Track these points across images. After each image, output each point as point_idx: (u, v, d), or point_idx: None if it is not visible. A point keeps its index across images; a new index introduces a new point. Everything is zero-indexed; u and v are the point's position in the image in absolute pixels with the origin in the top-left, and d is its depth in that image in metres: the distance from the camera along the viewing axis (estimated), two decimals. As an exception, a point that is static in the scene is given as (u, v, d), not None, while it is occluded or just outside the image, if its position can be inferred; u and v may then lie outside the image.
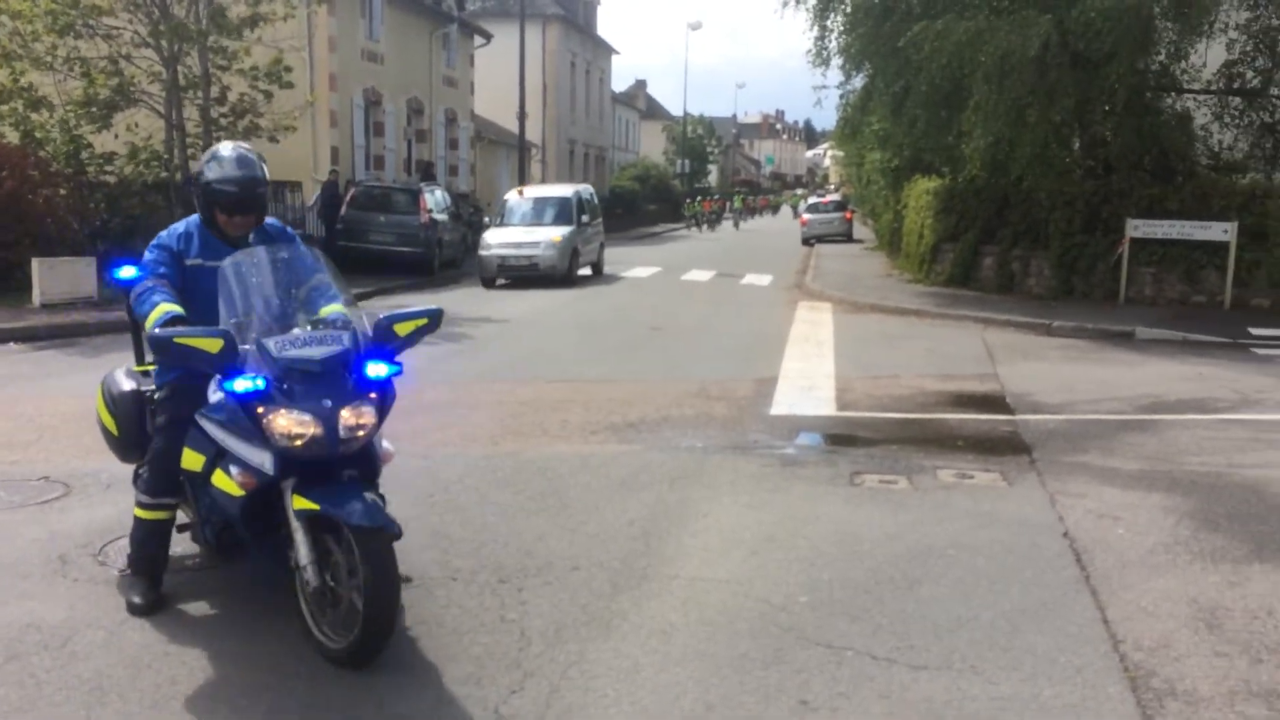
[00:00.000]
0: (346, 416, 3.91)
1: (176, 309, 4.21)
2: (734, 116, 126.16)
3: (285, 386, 3.88)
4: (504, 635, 4.33)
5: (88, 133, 17.48)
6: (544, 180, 42.44)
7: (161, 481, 4.48)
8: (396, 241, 20.74)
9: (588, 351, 12.43)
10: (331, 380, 3.93)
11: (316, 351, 3.95)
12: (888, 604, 4.79)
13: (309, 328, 4.07)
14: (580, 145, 47.54)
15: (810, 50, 20.08)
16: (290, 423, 3.83)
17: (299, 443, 3.84)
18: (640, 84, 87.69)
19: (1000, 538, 5.75)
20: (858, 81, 20.26)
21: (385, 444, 4.35)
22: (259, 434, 3.90)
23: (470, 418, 8.48)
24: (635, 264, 27.18)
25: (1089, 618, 4.68)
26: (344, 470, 4.02)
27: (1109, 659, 4.26)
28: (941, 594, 4.93)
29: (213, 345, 3.87)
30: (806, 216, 40.88)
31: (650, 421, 8.55)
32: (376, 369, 4.06)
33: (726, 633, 4.43)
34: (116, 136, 17.70)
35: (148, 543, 4.57)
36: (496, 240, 20.73)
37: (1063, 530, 5.90)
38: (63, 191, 16.33)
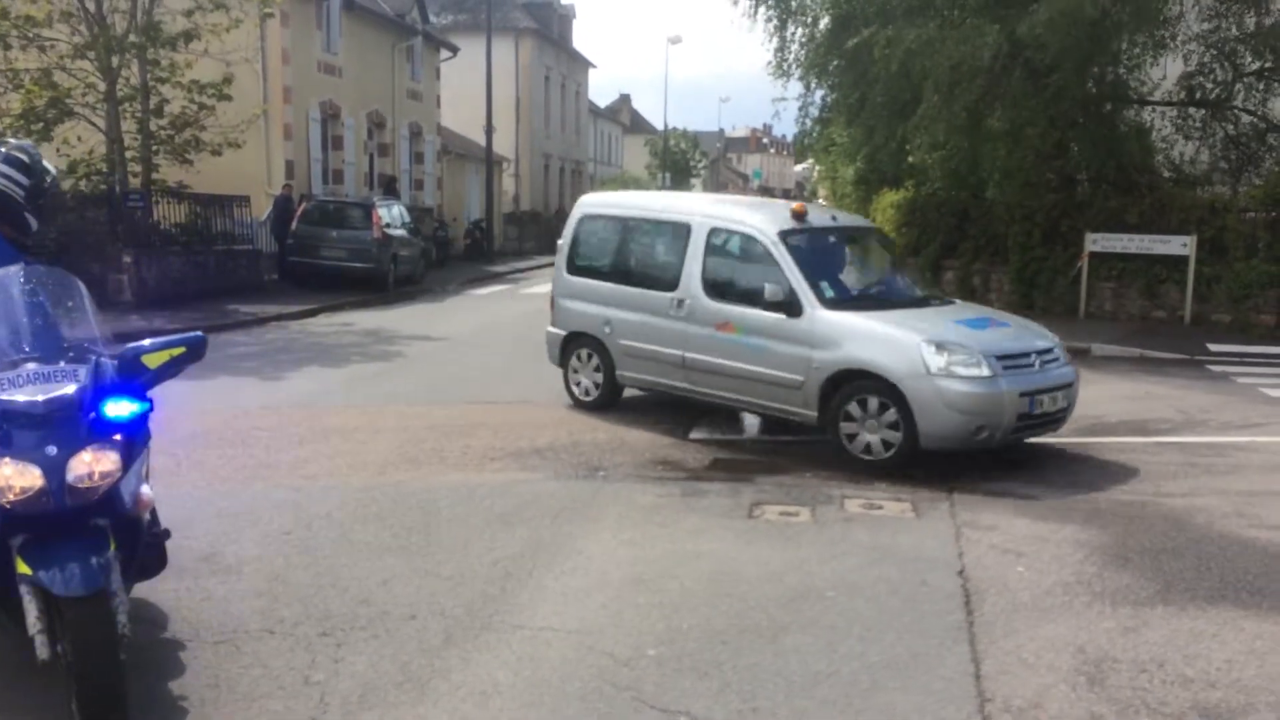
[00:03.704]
0: (79, 464, 3.44)
1: None
2: (720, 130, 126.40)
3: (4, 432, 3.43)
4: (300, 700, 3.90)
5: (26, 147, 17.02)
6: (518, 194, 42.11)
7: None
8: (348, 257, 20.28)
9: (521, 371, 11.98)
10: (59, 424, 3.46)
11: (40, 392, 3.48)
12: (744, 656, 4.38)
13: (35, 365, 3.57)
14: (556, 159, 47.14)
15: (770, 62, 19.77)
16: (11, 474, 3.38)
17: (18, 496, 3.38)
18: (624, 98, 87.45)
19: (889, 576, 5.35)
20: (818, 94, 19.95)
21: (145, 489, 3.87)
22: None
23: (368, 444, 8.05)
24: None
25: (961, 671, 4.28)
26: (94, 519, 3.55)
27: (970, 722, 3.86)
28: (806, 644, 4.52)
29: None
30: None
31: (560, 447, 8.14)
32: (118, 408, 3.60)
33: (554, 695, 4.01)
34: (58, 151, 17.25)
35: None
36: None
37: (959, 568, 5.50)
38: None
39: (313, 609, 4.74)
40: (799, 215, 8.64)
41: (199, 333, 4.04)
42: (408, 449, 7.94)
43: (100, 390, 3.58)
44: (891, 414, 7.41)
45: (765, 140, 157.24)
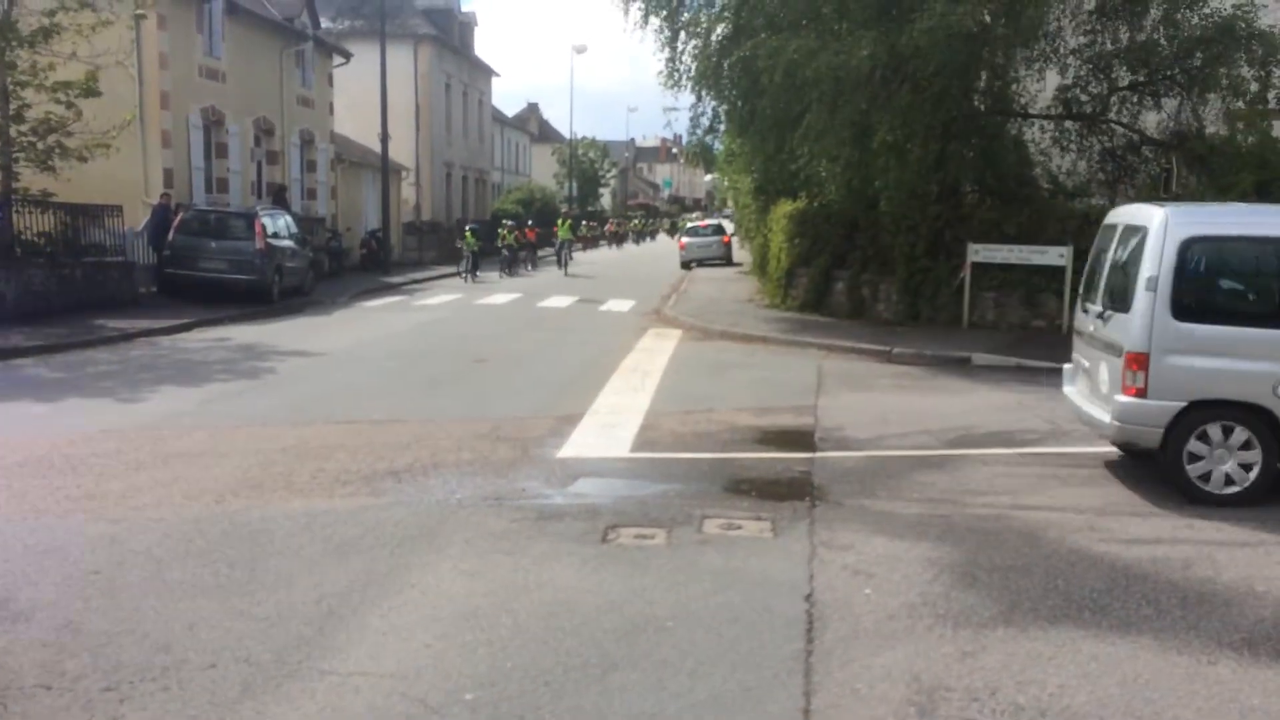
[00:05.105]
0: None
1: None
2: (631, 140, 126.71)
3: None
4: (60, 767, 3.54)
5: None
6: (418, 203, 41.41)
7: None
8: (229, 269, 19.54)
9: (393, 387, 11.62)
10: None
11: None
12: (567, 699, 4.14)
13: None
14: (458, 168, 46.50)
15: (662, 71, 19.67)
16: None
17: None
18: (532, 107, 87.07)
19: (734, 603, 5.17)
20: (709, 105, 19.92)
21: None
22: None
23: (211, 470, 7.61)
24: (498, 290, 26.41)
25: (790, 707, 4.11)
26: None
27: (790, 764, 3.68)
28: (634, 681, 4.30)
29: None
30: (685, 240, 40.60)
31: (417, 468, 7.81)
32: None
33: (351, 748, 3.72)
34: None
35: None
36: None
37: (807, 592, 5.36)
38: None
39: (102, 660, 4.36)
40: None
41: None
42: (253, 474, 7.53)
43: None
44: None
45: (675, 150, 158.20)
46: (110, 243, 19.03)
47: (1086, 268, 8.61)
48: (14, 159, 16.51)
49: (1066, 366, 8.82)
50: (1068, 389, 8.63)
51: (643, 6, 18.69)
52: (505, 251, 32.89)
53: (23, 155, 16.61)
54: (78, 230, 18.23)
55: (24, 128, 16.45)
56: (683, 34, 19.25)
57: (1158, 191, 15.69)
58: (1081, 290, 8.66)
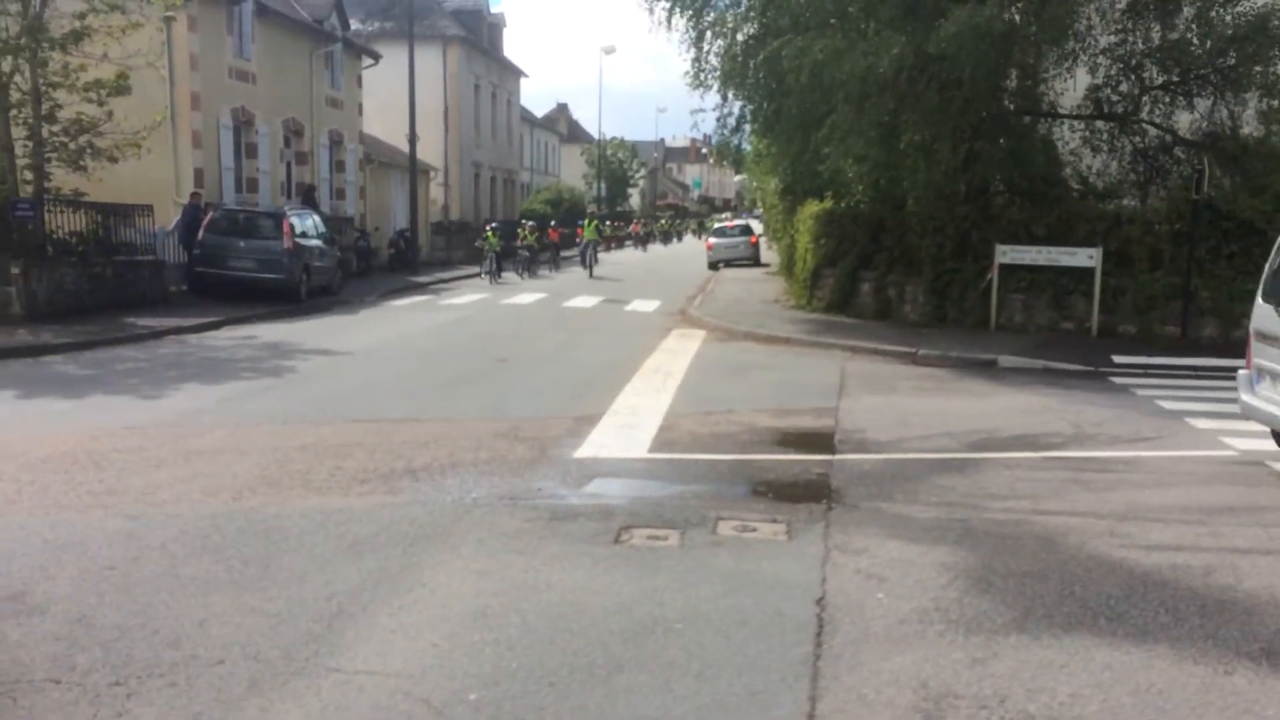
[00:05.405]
0: None
1: None
2: (661, 140, 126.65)
3: None
4: (65, 761, 3.57)
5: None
6: (447, 203, 41.60)
7: None
8: (258, 268, 19.74)
9: (414, 387, 11.66)
10: None
11: None
12: (571, 699, 4.12)
13: None
14: (486, 168, 46.69)
15: (688, 72, 19.65)
16: None
17: None
18: (562, 107, 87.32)
19: (744, 605, 5.14)
20: (735, 105, 19.86)
21: None
22: None
23: (230, 467, 7.67)
24: (523, 290, 26.48)
25: (795, 712, 4.07)
26: None
27: (792, 769, 3.65)
28: (640, 683, 4.28)
29: None
30: (712, 241, 40.54)
31: (435, 468, 7.83)
32: None
33: (352, 747, 3.72)
34: (-50, 158, 16.55)
35: None
36: None
37: (819, 595, 5.31)
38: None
39: (113, 655, 4.39)
40: None
41: None
42: (272, 471, 7.57)
43: None
44: None
45: (705, 150, 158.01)
46: (141, 241, 19.26)
47: (1268, 267, 8.05)
48: (46, 159, 16.74)
49: (1242, 373, 8.28)
50: (1249, 398, 8.09)
51: (667, 6, 18.67)
52: (525, 252, 32.37)
53: (55, 155, 16.84)
54: (109, 229, 18.46)
55: (56, 128, 16.68)
56: (708, 34, 19.21)
57: (1189, 193, 15.45)
58: (1261, 292, 8.12)
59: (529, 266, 32.24)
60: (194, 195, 21.26)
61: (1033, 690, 4.26)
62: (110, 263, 18.06)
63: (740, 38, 18.46)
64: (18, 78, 16.18)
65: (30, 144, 16.56)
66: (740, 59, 17.92)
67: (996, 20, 13.81)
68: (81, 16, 15.92)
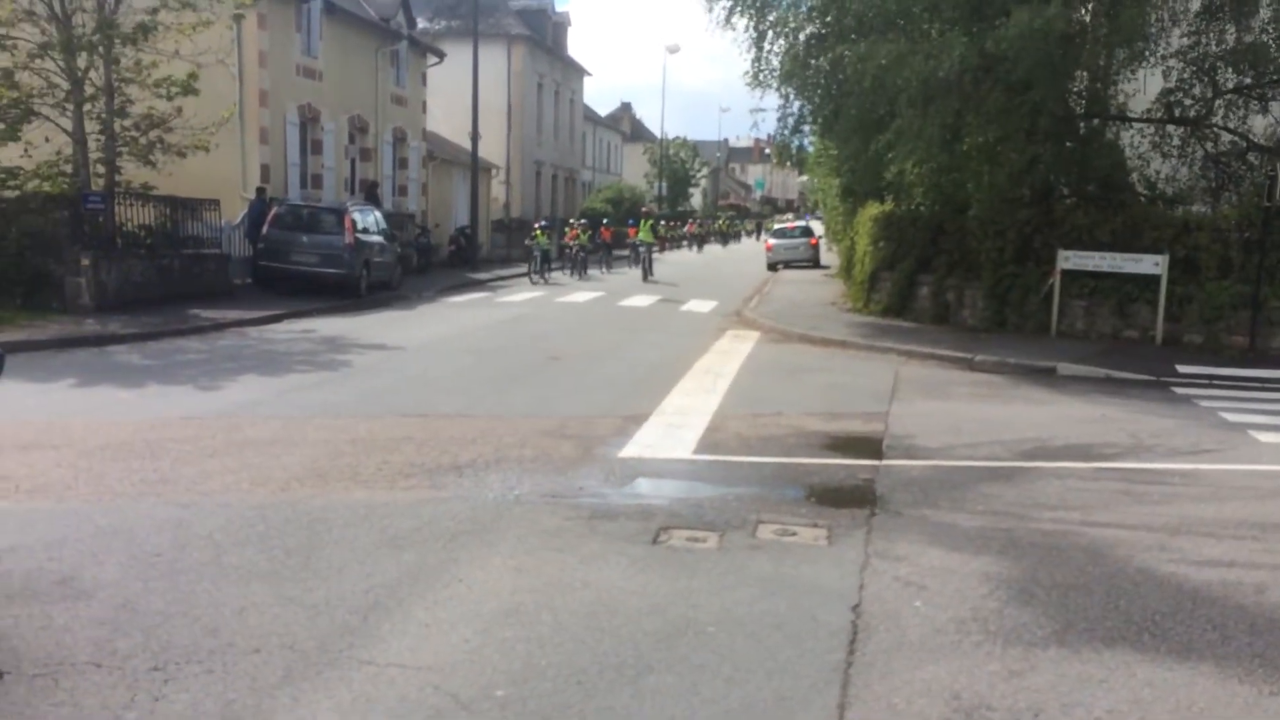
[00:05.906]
0: None
1: None
2: (724, 140, 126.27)
3: None
4: (100, 742, 3.66)
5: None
6: (508, 201, 41.93)
7: None
8: (320, 263, 20.07)
9: (466, 383, 11.77)
10: None
11: None
12: (598, 699, 4.13)
13: None
14: (548, 167, 47.00)
15: (748, 72, 19.55)
16: None
17: None
18: (625, 106, 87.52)
19: (779, 609, 5.10)
20: (795, 105, 19.72)
21: None
22: None
23: (280, 459, 7.81)
24: (578, 289, 26.57)
25: (823, 718, 4.03)
26: None
27: (815, 778, 3.61)
28: (669, 685, 4.27)
29: None
30: (772, 242, 40.31)
31: (480, 464, 7.90)
32: None
33: (378, 738, 3.77)
34: (25, 152, 17.07)
35: None
36: None
37: (855, 602, 5.25)
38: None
39: (154, 640, 4.50)
40: None
41: None
42: (321, 463, 7.70)
43: None
44: None
45: (768, 151, 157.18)
46: (207, 235, 19.72)
47: None
48: (117, 153, 17.19)
49: None
50: None
51: (727, 6, 18.57)
52: (580, 252, 30.86)
53: (126, 149, 17.29)
54: (177, 223, 18.92)
55: (127, 123, 17.12)
56: (770, 34, 19.09)
57: (1261, 199, 15.01)
58: None
59: (581, 266, 30.91)
60: (260, 190, 21.70)
61: (1068, 705, 4.18)
62: (177, 255, 18.51)
63: (802, 38, 18.33)
64: (92, 73, 16.63)
65: (103, 138, 17.01)
66: (801, 58, 17.79)
67: (1059, 20, 13.54)
68: (153, 12, 16.32)
